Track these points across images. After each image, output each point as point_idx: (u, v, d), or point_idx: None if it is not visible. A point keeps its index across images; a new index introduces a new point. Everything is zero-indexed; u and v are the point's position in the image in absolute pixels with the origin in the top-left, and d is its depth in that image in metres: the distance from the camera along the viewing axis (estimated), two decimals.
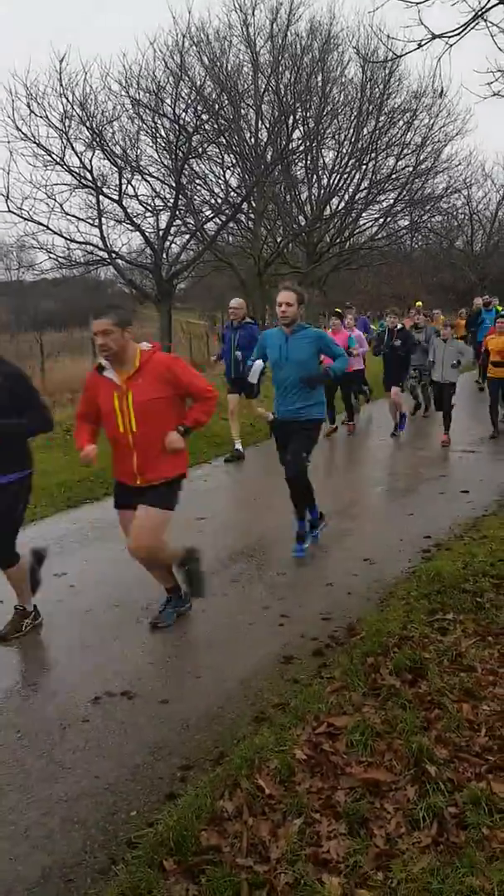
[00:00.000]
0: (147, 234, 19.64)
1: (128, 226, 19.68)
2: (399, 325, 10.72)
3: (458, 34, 7.67)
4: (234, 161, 23.91)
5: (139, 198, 20.46)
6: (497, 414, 10.64)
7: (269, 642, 4.32)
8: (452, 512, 6.80)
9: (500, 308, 16.01)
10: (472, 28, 7.62)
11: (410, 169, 26.40)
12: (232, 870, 2.43)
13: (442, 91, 22.29)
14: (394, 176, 26.47)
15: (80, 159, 18.70)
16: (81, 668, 4.07)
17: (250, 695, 3.70)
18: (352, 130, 25.40)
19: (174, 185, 19.23)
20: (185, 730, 3.42)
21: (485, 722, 3.28)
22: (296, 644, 4.28)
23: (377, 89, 24.76)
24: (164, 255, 19.24)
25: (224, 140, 22.10)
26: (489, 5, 7.60)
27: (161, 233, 19.45)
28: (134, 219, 19.62)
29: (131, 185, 19.90)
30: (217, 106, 20.16)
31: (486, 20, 7.77)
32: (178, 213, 20.09)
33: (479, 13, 7.63)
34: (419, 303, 18.08)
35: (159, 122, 20.14)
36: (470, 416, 11.78)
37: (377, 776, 2.90)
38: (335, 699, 3.51)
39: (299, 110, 23.89)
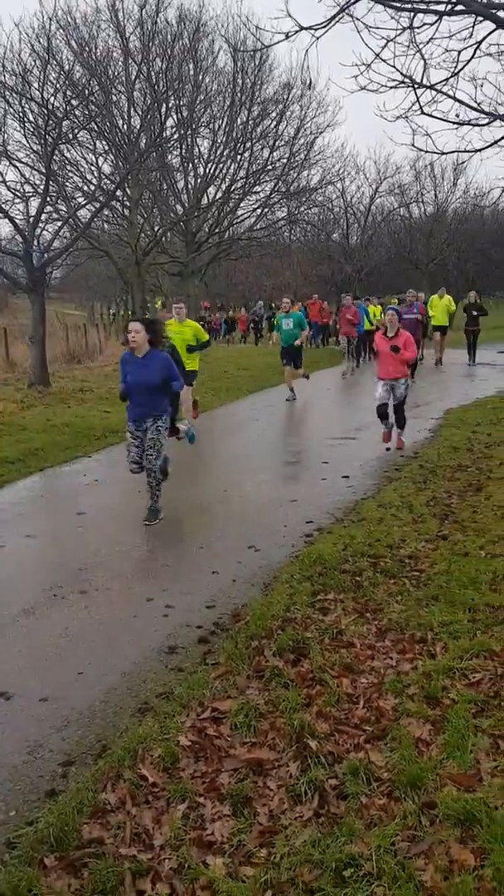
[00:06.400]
0: (17, 221, 18.91)
1: None
2: None
3: (325, 27, 7.84)
4: (107, 148, 23.44)
5: (7, 184, 19.65)
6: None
7: (153, 634, 4.28)
8: (333, 497, 6.97)
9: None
10: (337, 21, 7.80)
11: (285, 160, 26.84)
12: (115, 860, 2.40)
13: (311, 83, 22.76)
14: (269, 167, 26.83)
15: None
16: None
17: (133, 686, 3.66)
18: (225, 120, 25.52)
19: (44, 170, 18.58)
20: (65, 726, 3.33)
21: (363, 694, 3.39)
22: (180, 634, 4.27)
23: (248, 79, 24.97)
24: (36, 243, 18.56)
25: (96, 126, 21.58)
26: (353, 0, 7.80)
27: (31, 220, 18.77)
28: (2, 205, 18.85)
29: None
30: (87, 91, 19.65)
31: (351, 15, 7.97)
32: (49, 199, 19.44)
33: (345, 7, 7.82)
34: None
35: (27, 105, 19.40)
36: (348, 404, 12.12)
37: (260, 756, 2.94)
38: (220, 684, 3.53)
39: (172, 98, 23.71)
